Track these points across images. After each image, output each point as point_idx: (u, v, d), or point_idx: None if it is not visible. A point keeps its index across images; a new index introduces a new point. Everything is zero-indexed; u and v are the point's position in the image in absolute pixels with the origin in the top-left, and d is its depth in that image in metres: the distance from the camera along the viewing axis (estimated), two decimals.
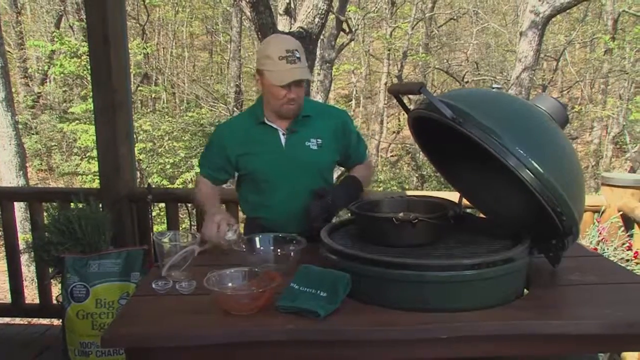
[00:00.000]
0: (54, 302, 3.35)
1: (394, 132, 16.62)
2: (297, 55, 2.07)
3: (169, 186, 9.91)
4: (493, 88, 2.02)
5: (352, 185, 2.24)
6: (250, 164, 2.22)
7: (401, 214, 1.74)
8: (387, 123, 16.17)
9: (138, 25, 13.58)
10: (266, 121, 2.20)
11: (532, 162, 1.52)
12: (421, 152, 2.17)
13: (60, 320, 2.84)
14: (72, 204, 3.09)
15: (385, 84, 14.80)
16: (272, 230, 2.03)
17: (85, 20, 3.24)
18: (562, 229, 1.60)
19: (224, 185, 2.45)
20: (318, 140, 2.22)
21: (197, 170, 2.59)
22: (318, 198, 2.10)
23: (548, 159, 1.55)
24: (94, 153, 9.74)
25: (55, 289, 3.58)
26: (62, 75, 11.39)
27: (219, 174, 2.30)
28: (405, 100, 1.92)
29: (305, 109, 2.22)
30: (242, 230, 2.18)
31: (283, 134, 2.21)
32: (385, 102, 15.31)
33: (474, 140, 1.57)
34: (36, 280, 3.45)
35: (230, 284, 1.63)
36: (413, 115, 1.85)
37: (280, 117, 2.19)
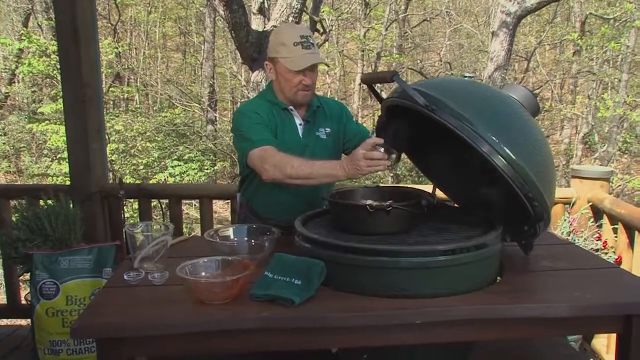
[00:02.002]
0: (23, 301, 3.27)
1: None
2: (311, 41, 2.08)
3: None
4: (465, 77, 2.03)
5: None
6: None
7: (375, 203, 1.74)
8: (362, 123, 16.24)
9: (109, 24, 13.38)
10: (288, 108, 2.18)
11: (505, 148, 1.54)
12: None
13: (30, 320, 2.78)
14: (41, 201, 3.03)
15: (360, 84, 14.86)
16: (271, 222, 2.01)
17: (54, 14, 3.18)
18: (534, 214, 1.62)
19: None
20: (327, 129, 2.25)
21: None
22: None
23: (520, 146, 1.58)
24: (65, 154, 9.56)
25: (25, 289, 3.50)
26: (30, 74, 11.14)
27: (275, 141, 2.07)
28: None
29: (317, 100, 2.24)
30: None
31: (300, 124, 2.20)
32: (360, 102, 15.36)
33: (446, 128, 1.58)
34: (3, 280, 3.37)
35: (203, 274, 1.61)
36: (386, 104, 1.86)
37: (295, 104, 2.17)
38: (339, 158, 2.34)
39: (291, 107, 2.18)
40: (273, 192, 2.15)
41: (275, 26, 5.76)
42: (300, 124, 2.20)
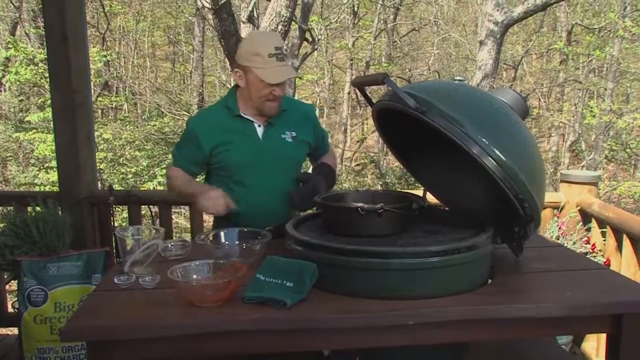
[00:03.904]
0: (10, 309, 3.23)
1: (357, 141, 16.72)
2: (285, 52, 2.11)
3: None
4: (455, 80, 2.06)
5: (329, 171, 2.29)
6: (225, 155, 2.18)
7: (367, 205, 1.75)
8: (351, 132, 16.26)
9: (98, 33, 13.34)
10: (242, 114, 2.19)
11: (495, 150, 1.55)
12: (385, 161, 2.25)
13: (17, 329, 2.74)
14: (29, 207, 3.00)
15: (349, 93, 14.91)
16: (243, 225, 2.01)
17: (43, 19, 3.16)
18: (524, 215, 1.63)
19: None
20: (292, 133, 2.24)
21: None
22: (303, 182, 2.16)
23: (510, 147, 1.59)
24: (53, 163, 9.48)
25: (12, 298, 3.46)
26: (18, 83, 11.05)
27: (194, 167, 2.27)
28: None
29: (282, 104, 2.23)
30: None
31: (259, 126, 2.20)
32: (349, 111, 15.41)
33: (437, 130, 1.59)
34: None
35: (195, 276, 1.60)
36: (377, 107, 1.86)
37: (260, 113, 2.18)
38: (303, 161, 2.38)
39: (244, 114, 2.19)
40: (233, 194, 2.16)
41: None
42: (259, 126, 2.20)
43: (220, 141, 2.17)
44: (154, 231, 1.88)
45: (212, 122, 2.22)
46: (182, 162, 2.26)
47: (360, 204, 1.76)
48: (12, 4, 12.24)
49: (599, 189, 5.85)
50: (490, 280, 1.74)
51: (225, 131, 2.19)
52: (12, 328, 3.53)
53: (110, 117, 13.90)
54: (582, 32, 13.55)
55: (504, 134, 1.62)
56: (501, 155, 1.55)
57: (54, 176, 9.13)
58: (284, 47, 2.12)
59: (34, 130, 10.26)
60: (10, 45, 10.41)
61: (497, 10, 7.56)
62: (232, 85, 2.30)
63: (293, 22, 6.55)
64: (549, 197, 3.09)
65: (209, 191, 2.10)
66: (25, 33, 12.84)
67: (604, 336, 1.78)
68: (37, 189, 9.92)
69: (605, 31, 12.79)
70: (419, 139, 1.91)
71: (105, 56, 11.86)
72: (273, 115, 2.20)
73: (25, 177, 11.31)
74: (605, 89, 12.94)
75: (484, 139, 1.55)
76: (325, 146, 2.44)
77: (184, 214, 9.78)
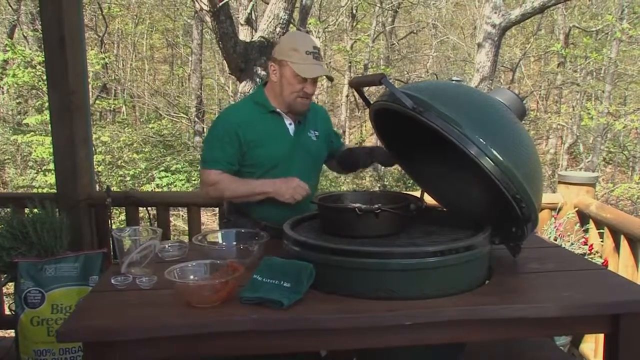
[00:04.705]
0: (7, 312, 3.22)
1: (356, 143, 16.73)
2: (320, 54, 2.13)
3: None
4: (453, 80, 2.05)
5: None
6: (259, 151, 2.15)
7: (364, 205, 1.74)
8: (350, 135, 16.27)
9: (96, 36, 13.33)
10: (276, 110, 2.19)
11: (492, 150, 1.55)
12: (383, 163, 2.27)
13: (14, 331, 2.73)
14: (26, 209, 2.99)
15: (347, 96, 14.93)
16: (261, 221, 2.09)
17: (40, 20, 3.16)
18: (522, 215, 1.63)
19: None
20: (316, 132, 2.29)
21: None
22: (353, 155, 2.25)
23: (507, 147, 1.59)
24: (51, 166, 9.46)
25: (8, 301, 3.44)
26: (16, 85, 11.04)
27: (235, 166, 2.16)
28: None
29: None
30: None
31: (290, 124, 2.22)
32: (347, 114, 15.42)
33: (434, 130, 1.59)
34: None
35: (192, 277, 1.60)
36: (375, 108, 1.86)
37: (290, 110, 2.19)
38: (323, 160, 2.40)
39: (279, 109, 2.19)
40: None
41: (263, 37, 5.78)
42: (290, 124, 2.22)
43: (256, 137, 2.14)
44: (152, 232, 1.88)
45: (248, 118, 2.18)
46: (224, 163, 2.13)
47: (357, 205, 1.76)
48: (10, 6, 12.23)
49: (597, 191, 5.86)
50: (488, 281, 1.74)
51: (261, 127, 2.17)
52: (8, 330, 3.51)
53: (108, 120, 13.89)
54: (579, 35, 13.58)
55: (501, 134, 1.62)
56: (498, 156, 1.55)
57: (51, 179, 9.11)
58: (320, 50, 2.15)
59: (32, 133, 10.24)
60: (8, 48, 10.39)
61: (495, 13, 7.57)
62: (256, 85, 2.30)
63: (291, 25, 6.55)
64: (547, 198, 3.09)
65: (284, 181, 2.07)
66: (24, 36, 12.83)
67: (602, 337, 1.78)
68: (34, 191, 9.91)
69: (603, 34, 12.83)
70: (416, 139, 1.91)
71: (104, 59, 11.86)
72: (302, 113, 2.21)
73: (23, 179, 11.29)
74: (603, 92, 12.97)
75: (481, 139, 1.55)
76: (341, 143, 2.49)
77: (182, 216, 9.76)
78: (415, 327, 1.49)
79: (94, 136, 9.90)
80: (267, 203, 2.14)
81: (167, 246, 1.92)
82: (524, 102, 1.91)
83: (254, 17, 6.99)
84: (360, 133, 16.92)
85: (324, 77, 2.25)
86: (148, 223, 4.83)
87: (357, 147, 2.39)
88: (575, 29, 13.29)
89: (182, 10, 14.71)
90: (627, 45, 12.70)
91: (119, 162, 10.88)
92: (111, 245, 2.60)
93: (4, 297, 3.31)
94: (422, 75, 15.55)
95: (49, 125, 3.09)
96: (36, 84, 10.39)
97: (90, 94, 10.60)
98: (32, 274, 2.58)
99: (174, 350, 1.44)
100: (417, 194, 2.12)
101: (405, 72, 15.75)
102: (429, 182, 2.12)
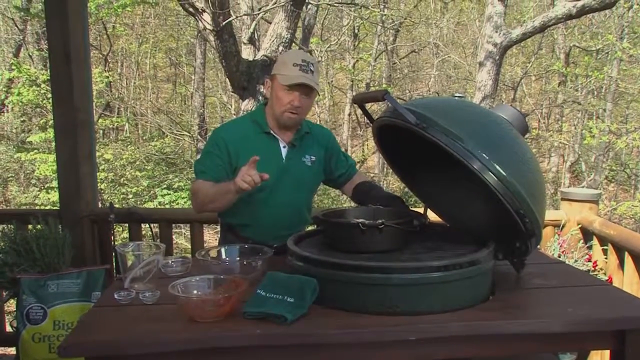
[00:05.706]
0: (9, 329, 3.20)
1: (358, 162, 16.76)
2: (312, 68, 2.12)
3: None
4: (455, 97, 2.07)
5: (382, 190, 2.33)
6: None
7: (368, 221, 1.74)
8: (352, 154, 16.32)
9: (101, 55, 13.46)
10: (271, 131, 2.20)
11: (496, 165, 1.56)
12: (385, 181, 2.27)
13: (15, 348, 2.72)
14: (29, 225, 3.00)
15: (349, 115, 15.00)
16: (250, 242, 2.03)
17: (46, 38, 3.20)
18: (525, 230, 1.63)
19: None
20: (312, 157, 2.26)
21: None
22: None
23: (510, 163, 1.60)
24: (54, 183, 9.48)
25: (10, 318, 3.43)
26: (20, 104, 11.12)
27: (222, 177, 2.12)
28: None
29: (305, 126, 2.27)
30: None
31: (284, 147, 2.21)
32: (350, 132, 15.48)
33: (438, 146, 1.60)
34: None
35: (195, 292, 1.60)
36: (378, 124, 1.88)
37: (280, 126, 2.19)
38: (318, 186, 2.40)
39: (273, 131, 2.20)
40: (248, 208, 2.15)
41: (265, 56, 5.83)
42: (284, 147, 2.21)
43: (246, 155, 2.08)
44: (155, 247, 1.88)
45: (242, 135, 2.19)
46: (212, 174, 2.13)
47: (361, 220, 1.76)
48: (17, 26, 12.38)
49: (600, 209, 5.85)
50: (492, 296, 1.73)
51: (253, 147, 2.15)
52: (9, 348, 3.50)
53: (111, 138, 13.95)
54: (579, 54, 13.68)
55: (504, 150, 1.63)
56: (502, 171, 1.55)
57: (54, 196, 9.12)
58: (312, 64, 2.13)
59: (36, 151, 10.29)
60: (13, 67, 10.50)
61: (496, 32, 7.64)
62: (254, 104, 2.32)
63: (294, 44, 6.61)
64: (550, 215, 3.09)
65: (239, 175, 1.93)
66: (29, 55, 12.97)
67: (607, 354, 1.76)
68: (38, 209, 9.93)
69: (603, 53, 12.91)
70: (419, 155, 1.92)
71: (108, 77, 11.95)
72: (290, 129, 2.20)
73: (26, 197, 11.31)
74: (604, 110, 13.02)
75: (484, 154, 1.56)
76: (353, 167, 2.44)
77: (185, 234, 9.76)
78: (419, 343, 1.48)
79: (97, 154, 9.93)
80: (254, 222, 2.16)
81: (170, 261, 1.92)
82: (526, 117, 1.92)
83: (256, 36, 7.05)
84: (362, 151, 16.94)
85: (327, 97, 2.26)
86: (151, 240, 4.83)
87: (377, 188, 2.34)
88: (576, 48, 13.39)
89: (185, 30, 14.87)
90: (628, 64, 12.77)
91: (122, 179, 10.90)
92: (114, 261, 2.60)
93: (5, 315, 3.30)
94: (424, 93, 15.64)
95: (53, 143, 3.11)
96: (40, 102, 10.46)
97: (94, 111, 10.66)
98: (34, 290, 2.58)
99: None
100: (421, 210, 2.12)
101: (407, 91, 15.85)
102: (432, 197, 2.12)
